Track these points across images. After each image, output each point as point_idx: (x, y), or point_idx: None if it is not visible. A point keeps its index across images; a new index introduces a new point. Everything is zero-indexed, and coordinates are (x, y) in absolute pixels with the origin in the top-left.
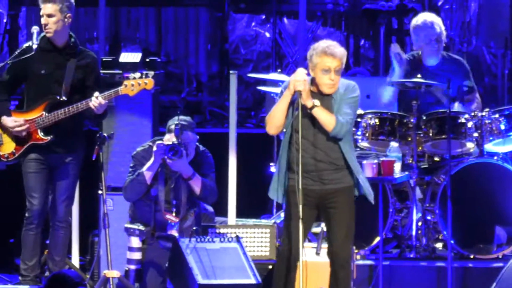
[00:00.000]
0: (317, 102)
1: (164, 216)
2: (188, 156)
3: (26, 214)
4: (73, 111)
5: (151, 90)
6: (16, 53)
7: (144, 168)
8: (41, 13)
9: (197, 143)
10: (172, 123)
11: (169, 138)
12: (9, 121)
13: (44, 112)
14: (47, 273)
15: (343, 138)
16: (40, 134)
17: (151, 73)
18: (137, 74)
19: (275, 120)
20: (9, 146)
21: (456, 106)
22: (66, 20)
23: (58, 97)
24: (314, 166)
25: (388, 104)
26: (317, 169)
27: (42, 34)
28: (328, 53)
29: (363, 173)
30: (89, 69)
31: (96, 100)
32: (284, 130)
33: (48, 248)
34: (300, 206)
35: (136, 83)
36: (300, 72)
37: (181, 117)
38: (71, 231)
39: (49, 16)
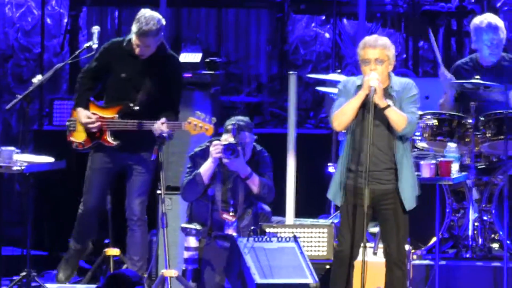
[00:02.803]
0: (390, 102)
1: (221, 215)
2: (244, 156)
3: (80, 207)
4: (140, 126)
5: (211, 91)
6: (77, 53)
7: (202, 169)
8: (138, 43)
9: (254, 143)
10: (229, 123)
11: (226, 138)
12: (83, 115)
13: (116, 116)
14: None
15: (409, 137)
16: (110, 138)
17: (214, 119)
18: (202, 115)
19: (345, 118)
20: (81, 135)
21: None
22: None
23: (132, 105)
24: (374, 166)
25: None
26: (377, 169)
27: (129, 37)
28: (367, 44)
29: (414, 176)
30: (170, 82)
31: (161, 126)
32: (344, 131)
33: (126, 248)
34: (366, 207)
35: (198, 126)
36: (373, 74)
37: (239, 117)
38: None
39: (147, 46)
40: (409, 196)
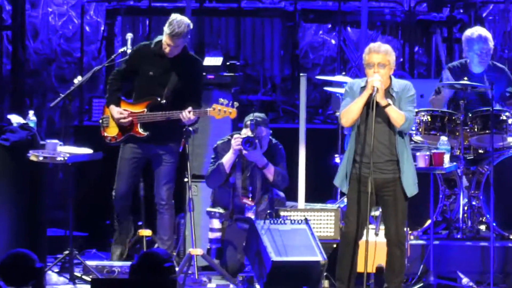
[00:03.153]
0: (390, 101)
1: (241, 200)
2: (261, 148)
3: (113, 193)
4: (169, 116)
5: (231, 91)
6: (112, 57)
7: (224, 159)
8: (169, 43)
9: (270, 137)
10: (248, 119)
11: (246, 132)
12: (116, 111)
13: (146, 110)
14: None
15: (407, 132)
16: (140, 130)
17: (236, 103)
18: (225, 101)
19: (352, 115)
20: (113, 130)
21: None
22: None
23: (159, 99)
24: (377, 158)
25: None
26: (379, 160)
27: (158, 39)
28: (372, 50)
29: (413, 166)
30: (193, 78)
31: (188, 114)
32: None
33: (157, 229)
34: (369, 193)
35: (222, 110)
36: (376, 76)
37: (256, 113)
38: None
39: (176, 46)
40: (410, 184)
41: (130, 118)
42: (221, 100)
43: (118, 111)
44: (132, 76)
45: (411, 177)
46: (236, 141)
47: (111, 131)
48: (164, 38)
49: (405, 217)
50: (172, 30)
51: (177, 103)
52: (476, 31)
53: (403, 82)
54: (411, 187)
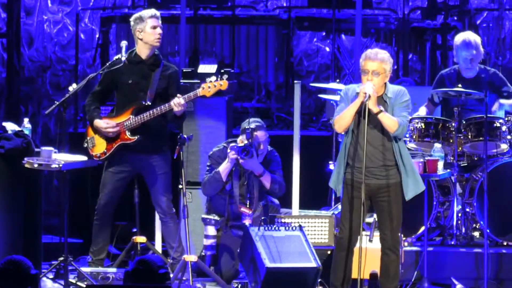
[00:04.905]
0: (382, 108)
1: (239, 209)
2: (260, 155)
3: (96, 207)
4: (157, 112)
5: (225, 98)
6: (107, 64)
7: (220, 168)
8: (154, 25)
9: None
10: (245, 126)
11: (242, 139)
12: (102, 122)
13: (131, 116)
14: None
15: (402, 138)
16: (128, 134)
17: (226, 76)
18: (213, 78)
19: (344, 122)
20: (101, 146)
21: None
22: None
23: (144, 102)
24: (370, 163)
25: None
26: (373, 165)
27: (129, 50)
28: (367, 57)
29: (415, 170)
30: (172, 79)
31: (177, 99)
32: (344, 133)
33: (164, 238)
34: (363, 197)
35: (212, 85)
36: (368, 82)
37: (253, 118)
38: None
39: (161, 28)
40: (414, 184)
41: (117, 128)
42: (208, 78)
43: (105, 122)
44: (110, 94)
45: (414, 177)
46: (232, 150)
47: (99, 149)
48: (150, 25)
49: (400, 223)
50: (154, 12)
51: (160, 104)
52: (461, 37)
53: (397, 88)
54: (415, 186)
